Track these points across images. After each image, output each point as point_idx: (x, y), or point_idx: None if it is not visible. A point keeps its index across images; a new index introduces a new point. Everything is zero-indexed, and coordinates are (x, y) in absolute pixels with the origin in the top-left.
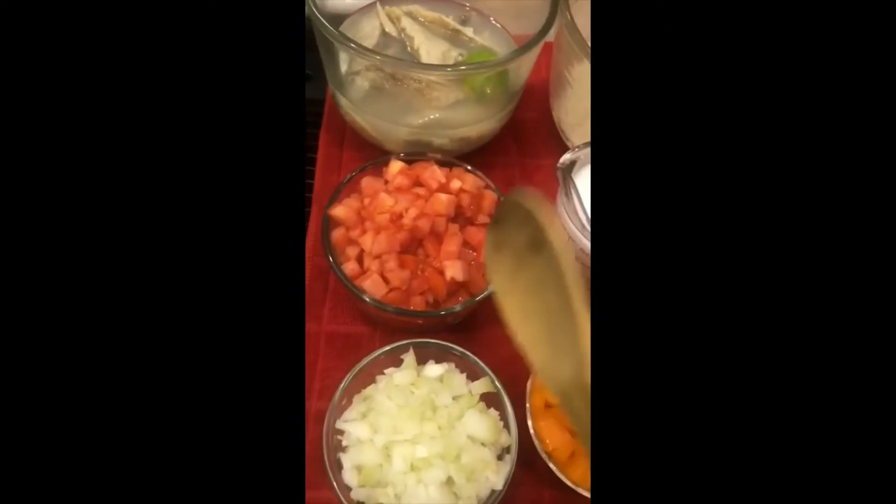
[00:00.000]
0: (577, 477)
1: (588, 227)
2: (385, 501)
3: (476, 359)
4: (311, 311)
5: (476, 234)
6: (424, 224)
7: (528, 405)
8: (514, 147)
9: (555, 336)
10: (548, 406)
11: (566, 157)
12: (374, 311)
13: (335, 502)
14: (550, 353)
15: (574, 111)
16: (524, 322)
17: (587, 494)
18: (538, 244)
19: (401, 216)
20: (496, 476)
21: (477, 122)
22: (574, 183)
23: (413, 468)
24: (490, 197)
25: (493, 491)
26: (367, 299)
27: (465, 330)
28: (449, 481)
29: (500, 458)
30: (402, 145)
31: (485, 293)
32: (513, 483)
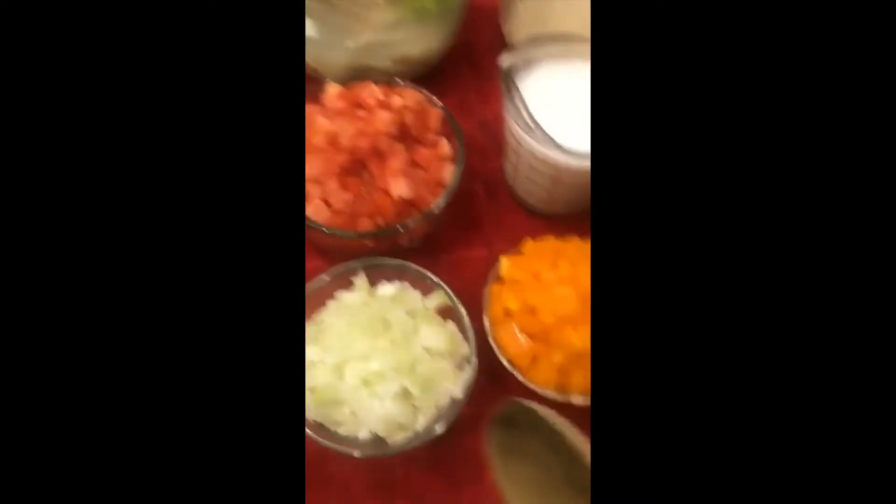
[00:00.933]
0: (541, 380)
1: (533, 127)
2: (342, 419)
3: (430, 274)
4: None
5: (423, 153)
6: (364, 143)
7: (485, 316)
8: (468, 71)
9: None
10: (507, 314)
11: (506, 58)
12: (324, 241)
13: None
14: None
15: (524, 26)
16: None
17: (552, 396)
18: (555, 447)
19: (337, 137)
20: (455, 385)
21: (418, 42)
22: (515, 84)
23: (366, 383)
24: (436, 114)
25: (453, 399)
26: (310, 224)
27: (423, 255)
28: (406, 393)
29: (460, 368)
30: (343, 73)
31: (436, 208)
32: (482, 400)
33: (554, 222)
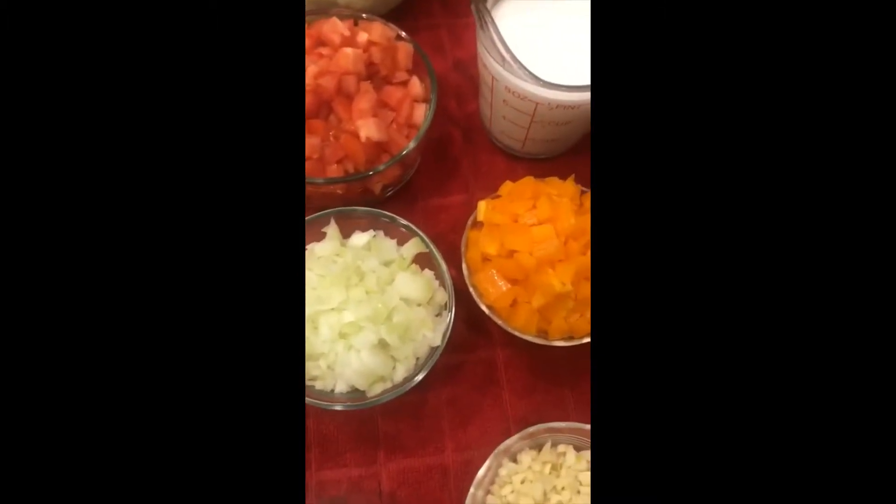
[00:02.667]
0: (521, 324)
1: (507, 57)
2: (318, 374)
3: (405, 221)
4: None
5: (394, 93)
6: (329, 83)
7: (464, 262)
8: (440, 8)
9: None
10: (485, 259)
11: None
12: None
13: None
14: None
15: None
16: None
17: (533, 340)
18: None
19: None
20: (433, 333)
21: None
22: (489, 13)
23: (341, 335)
24: (405, 50)
25: (431, 348)
26: None
27: (399, 204)
28: (382, 344)
29: (438, 315)
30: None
31: (407, 149)
32: (467, 349)
33: (534, 165)
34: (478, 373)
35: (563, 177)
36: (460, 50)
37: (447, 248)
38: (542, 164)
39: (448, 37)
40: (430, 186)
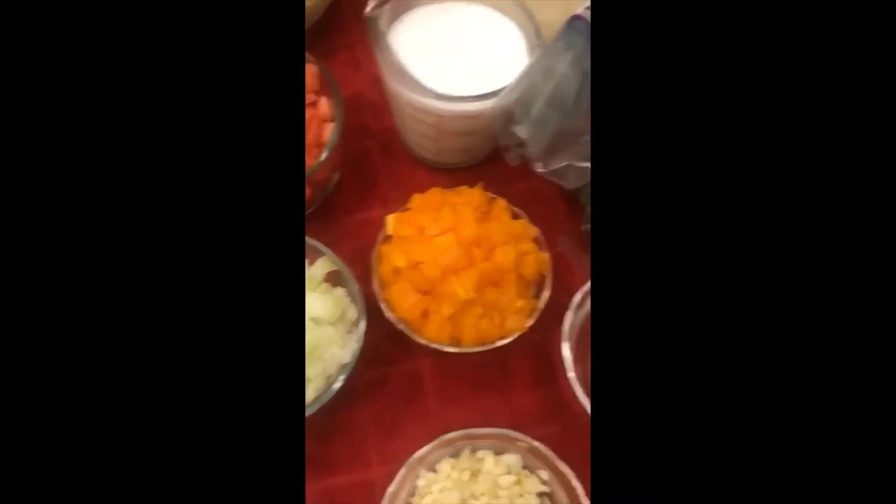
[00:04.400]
0: (433, 335)
1: (404, 76)
2: None
3: (314, 241)
4: None
5: None
6: None
7: (374, 277)
8: (356, 26)
9: None
10: (396, 272)
11: (372, 5)
12: None
13: None
14: None
15: None
16: None
17: (448, 350)
18: None
19: None
20: (342, 350)
21: None
22: (382, 32)
23: None
24: (311, 70)
25: (340, 365)
26: None
27: (319, 222)
28: None
29: (349, 332)
30: None
31: (312, 169)
32: (390, 361)
33: (454, 174)
34: (402, 385)
35: (474, 183)
36: (377, 66)
37: (369, 263)
38: (462, 173)
39: (364, 54)
40: (351, 203)
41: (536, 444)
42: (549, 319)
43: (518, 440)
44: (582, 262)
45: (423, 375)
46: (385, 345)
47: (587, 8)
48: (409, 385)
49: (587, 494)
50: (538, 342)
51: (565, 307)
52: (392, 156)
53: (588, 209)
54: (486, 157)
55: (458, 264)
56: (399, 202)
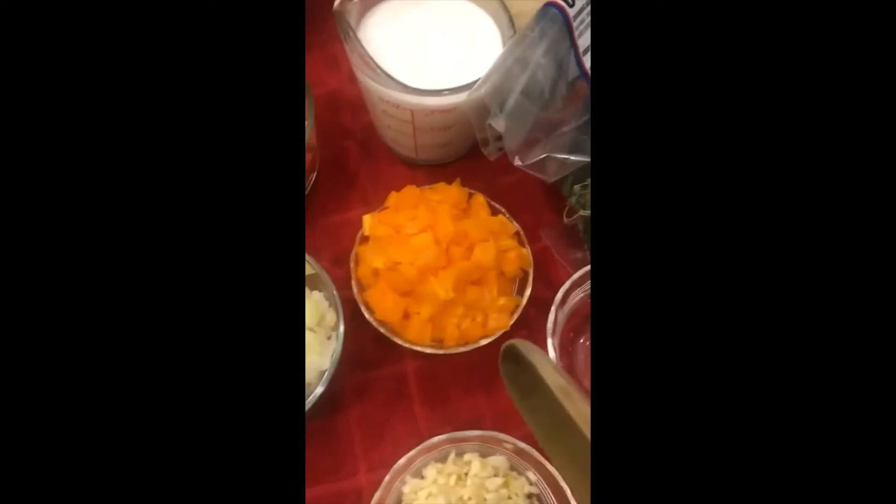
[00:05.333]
0: (414, 336)
1: (374, 70)
2: None
3: None
4: None
5: None
6: None
7: (353, 279)
8: (332, 24)
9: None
10: (375, 274)
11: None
12: None
13: None
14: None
15: None
16: (554, 452)
17: (431, 351)
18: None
19: None
20: (320, 356)
21: None
22: (350, 26)
23: None
24: None
25: (319, 372)
26: None
27: None
28: None
29: (329, 338)
30: None
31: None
32: (374, 365)
33: (433, 171)
34: (387, 389)
35: (451, 179)
36: None
37: (349, 265)
38: (442, 169)
39: (341, 51)
40: (330, 203)
41: (523, 445)
42: (534, 316)
43: (504, 441)
44: (566, 257)
45: (408, 378)
46: (369, 348)
47: None
48: (395, 388)
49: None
50: (525, 338)
51: (549, 302)
52: (371, 154)
53: (571, 200)
54: (466, 151)
55: (436, 264)
56: (379, 202)
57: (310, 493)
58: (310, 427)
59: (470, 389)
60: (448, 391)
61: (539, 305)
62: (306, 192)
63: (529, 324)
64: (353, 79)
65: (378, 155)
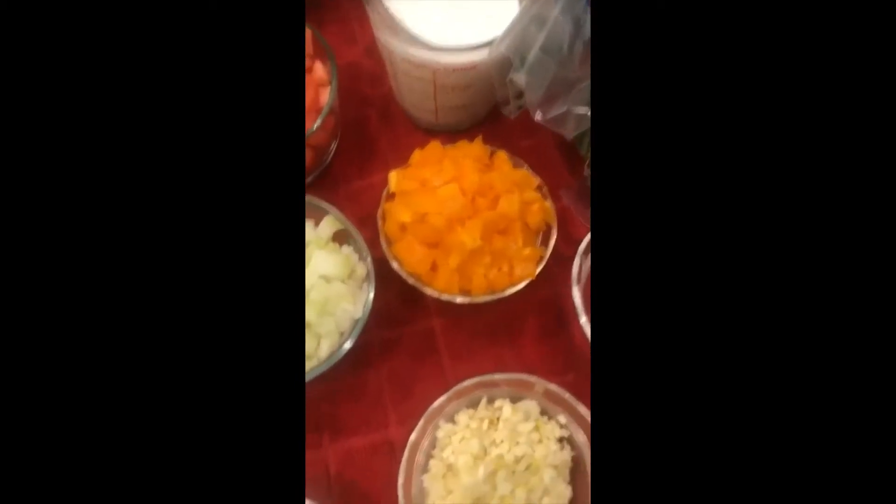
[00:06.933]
0: (443, 286)
1: (396, 28)
2: None
3: (318, 201)
4: None
5: None
6: None
7: (382, 235)
8: (346, 2)
9: None
10: (402, 228)
11: None
12: None
13: None
14: None
15: None
16: None
17: (460, 300)
18: None
19: None
20: (353, 305)
21: None
22: None
23: None
24: (306, 35)
25: (353, 320)
26: None
27: (320, 190)
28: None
29: (360, 289)
30: None
31: (311, 131)
32: (402, 322)
33: (451, 137)
34: (415, 344)
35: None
36: (370, 35)
37: (374, 227)
38: (460, 136)
39: (357, 24)
40: (351, 170)
41: (553, 386)
42: (558, 273)
43: (534, 384)
44: (585, 215)
45: (435, 333)
46: (396, 305)
47: None
48: (422, 344)
49: None
50: (548, 296)
51: (571, 258)
52: (391, 122)
53: (589, 157)
54: (485, 117)
55: (463, 213)
56: (398, 166)
57: (343, 445)
58: (340, 383)
59: (495, 343)
60: (475, 345)
61: (563, 263)
62: (329, 159)
63: (553, 278)
64: (370, 52)
65: (397, 122)
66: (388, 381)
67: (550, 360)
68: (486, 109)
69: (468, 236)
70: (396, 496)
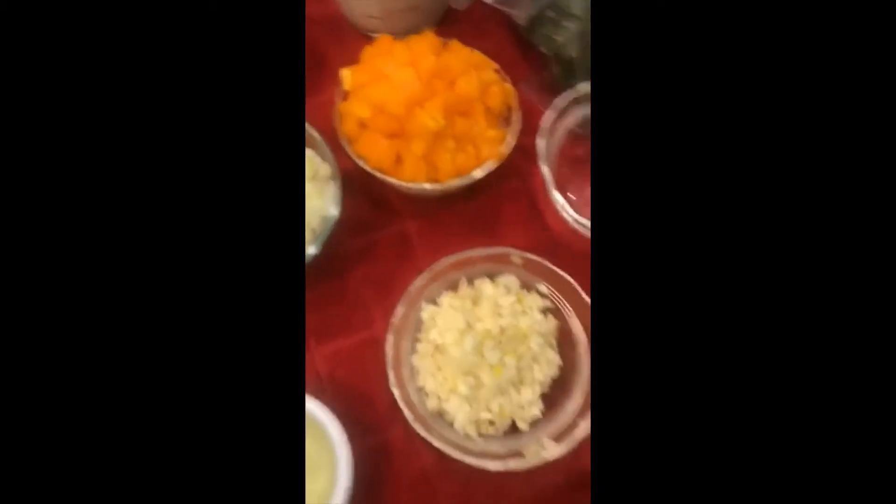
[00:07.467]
0: (410, 176)
1: None
2: None
3: None
4: None
5: None
6: None
7: (340, 135)
8: None
9: None
10: (363, 125)
11: None
12: None
13: None
14: None
15: None
16: None
17: (430, 189)
18: None
19: None
20: (322, 202)
21: None
22: None
23: None
24: None
25: (323, 217)
26: None
27: None
28: None
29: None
30: None
31: None
32: (376, 227)
33: None
34: (391, 246)
35: None
36: None
37: (335, 142)
38: None
39: None
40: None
41: (531, 255)
42: (523, 163)
43: (510, 254)
44: (547, 105)
45: (409, 236)
46: (367, 212)
47: None
48: (398, 246)
49: (588, 293)
50: (518, 187)
51: (535, 150)
52: (339, 36)
53: (543, 49)
54: (438, 20)
55: (421, 96)
56: None
57: (329, 347)
58: (317, 290)
59: (470, 239)
60: (449, 242)
61: (526, 152)
62: None
63: (519, 168)
64: None
65: (346, 37)
66: (367, 284)
67: (529, 247)
68: (440, 12)
69: (429, 117)
70: (387, 385)
